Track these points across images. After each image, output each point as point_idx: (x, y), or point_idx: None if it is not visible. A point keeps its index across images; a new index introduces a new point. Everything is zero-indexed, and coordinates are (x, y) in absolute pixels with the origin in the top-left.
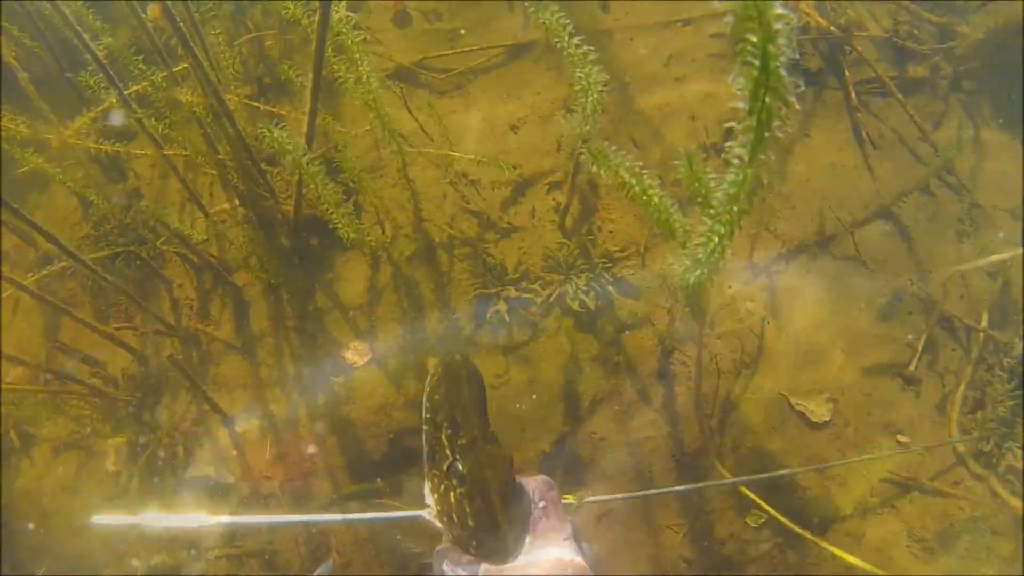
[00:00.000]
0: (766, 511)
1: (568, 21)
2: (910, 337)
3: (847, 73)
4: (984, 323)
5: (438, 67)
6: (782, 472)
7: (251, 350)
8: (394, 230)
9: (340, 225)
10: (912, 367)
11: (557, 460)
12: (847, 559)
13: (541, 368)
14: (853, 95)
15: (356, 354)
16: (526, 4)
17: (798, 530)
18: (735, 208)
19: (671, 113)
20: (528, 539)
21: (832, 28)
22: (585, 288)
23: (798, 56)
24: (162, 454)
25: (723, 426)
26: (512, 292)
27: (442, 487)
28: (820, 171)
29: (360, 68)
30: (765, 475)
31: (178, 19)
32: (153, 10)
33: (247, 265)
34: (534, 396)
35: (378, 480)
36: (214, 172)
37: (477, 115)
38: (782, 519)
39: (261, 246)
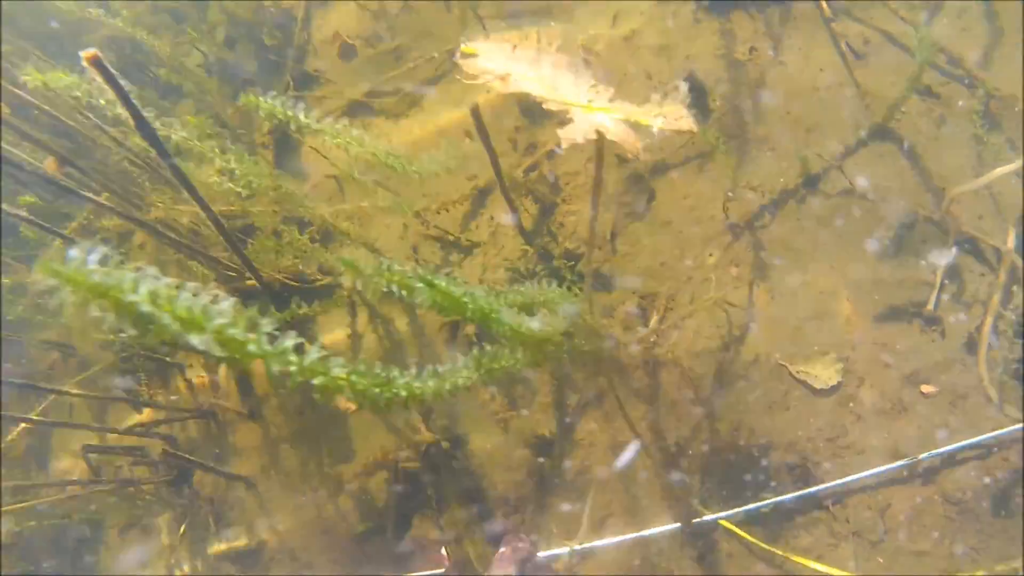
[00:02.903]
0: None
1: None
2: (925, 271)
3: None
4: (1011, 242)
5: (389, 90)
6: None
7: (259, 413)
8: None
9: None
10: (931, 305)
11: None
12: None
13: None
14: (824, 3)
15: (347, 400)
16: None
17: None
18: None
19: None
20: None
21: None
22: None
23: None
24: (200, 522)
25: (715, 408)
26: None
27: None
28: (800, 99)
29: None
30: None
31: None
32: (49, 164)
33: None
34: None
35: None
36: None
37: (433, 128)
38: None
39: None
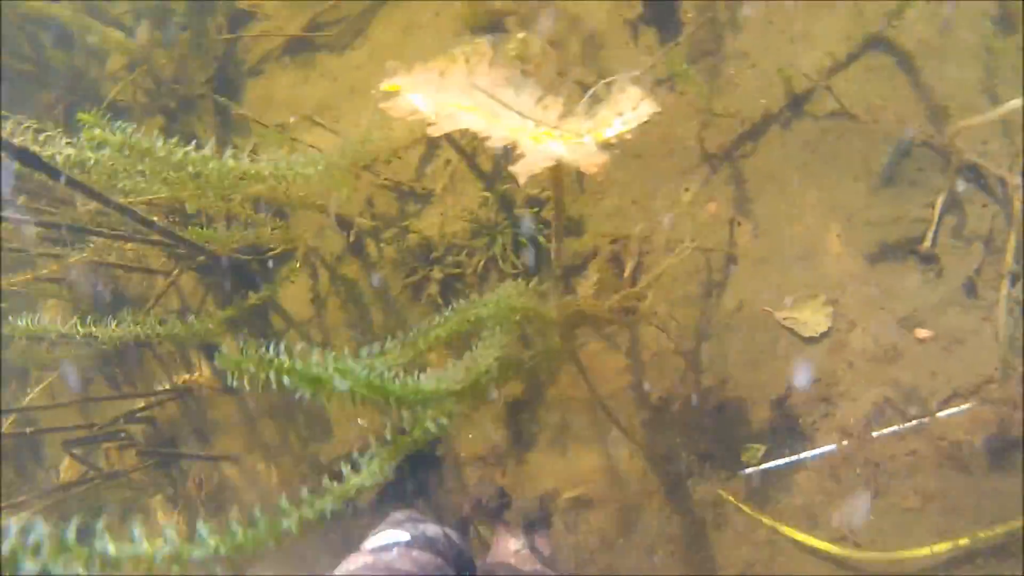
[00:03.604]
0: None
1: None
2: (923, 203)
3: None
4: (1019, 172)
5: (331, 19)
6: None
7: (233, 388)
8: (317, 229)
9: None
10: (927, 242)
11: None
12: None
13: None
14: None
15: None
16: None
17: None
18: None
19: None
20: None
21: None
22: (513, 245)
23: None
24: (192, 504)
25: (699, 363)
26: (437, 273)
27: None
28: (782, 7)
29: None
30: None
31: None
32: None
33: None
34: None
35: None
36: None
37: (380, 62)
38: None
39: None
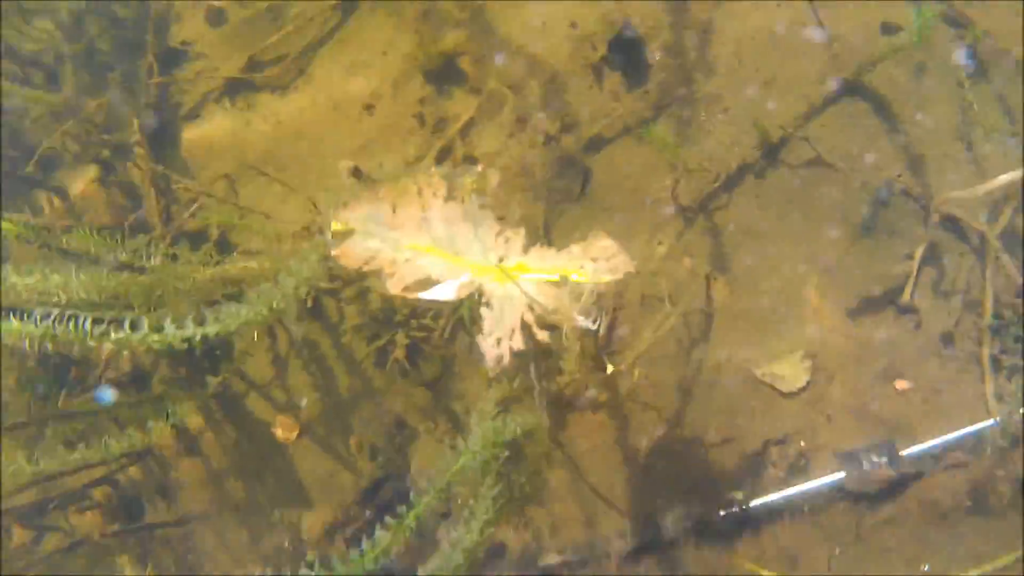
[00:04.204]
0: None
1: None
2: (901, 254)
3: None
4: (1001, 224)
5: (271, 57)
6: None
7: (195, 448)
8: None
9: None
10: (907, 294)
11: None
12: None
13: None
14: None
15: (286, 430)
16: None
17: None
18: None
19: (544, 27)
20: None
21: None
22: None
23: None
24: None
25: (678, 420)
26: (403, 338)
27: None
28: (754, 45)
29: None
30: None
31: None
32: None
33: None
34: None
35: None
36: None
37: (325, 103)
38: None
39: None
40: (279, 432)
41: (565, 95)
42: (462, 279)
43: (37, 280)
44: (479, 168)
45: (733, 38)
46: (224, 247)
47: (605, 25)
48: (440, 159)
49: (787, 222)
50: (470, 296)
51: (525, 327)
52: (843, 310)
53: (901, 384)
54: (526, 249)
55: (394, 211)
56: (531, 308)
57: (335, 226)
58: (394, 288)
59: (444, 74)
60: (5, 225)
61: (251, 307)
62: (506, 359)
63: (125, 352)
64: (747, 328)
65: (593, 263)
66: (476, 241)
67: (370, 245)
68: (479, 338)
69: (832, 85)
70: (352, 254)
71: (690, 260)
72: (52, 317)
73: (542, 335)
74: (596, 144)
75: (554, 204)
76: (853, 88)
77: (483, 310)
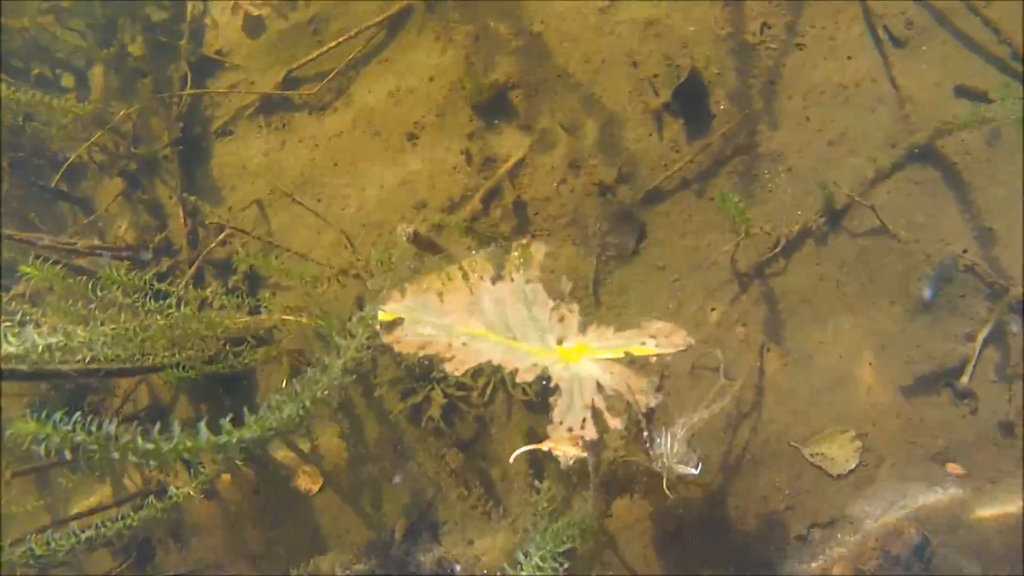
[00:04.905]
0: None
1: None
2: (963, 333)
3: None
4: None
5: (310, 75)
6: None
7: (212, 492)
8: (300, 334)
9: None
10: (966, 377)
11: None
12: None
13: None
14: None
15: (309, 481)
16: None
17: None
18: None
19: (604, 64)
20: None
21: None
22: None
23: None
24: None
25: (721, 498)
26: (439, 397)
27: None
28: (822, 100)
29: None
30: None
31: None
32: None
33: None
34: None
35: None
36: None
37: (365, 129)
38: None
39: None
40: (302, 482)
41: (623, 141)
42: (525, 364)
43: (61, 340)
44: (524, 242)
45: (801, 91)
46: (253, 279)
47: (667, 66)
48: (486, 201)
49: (845, 292)
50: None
51: (596, 413)
52: (897, 388)
53: (955, 469)
54: (583, 328)
55: (442, 298)
56: (600, 390)
57: (383, 316)
58: (455, 372)
59: (494, 107)
60: (30, 270)
61: (294, 403)
62: (580, 451)
63: (143, 386)
64: (797, 404)
65: (653, 339)
66: (531, 321)
67: (422, 332)
68: (548, 428)
69: (901, 149)
70: (406, 341)
71: (743, 329)
72: (73, 421)
73: (615, 422)
74: (654, 197)
75: (606, 260)
76: (923, 154)
77: (552, 399)
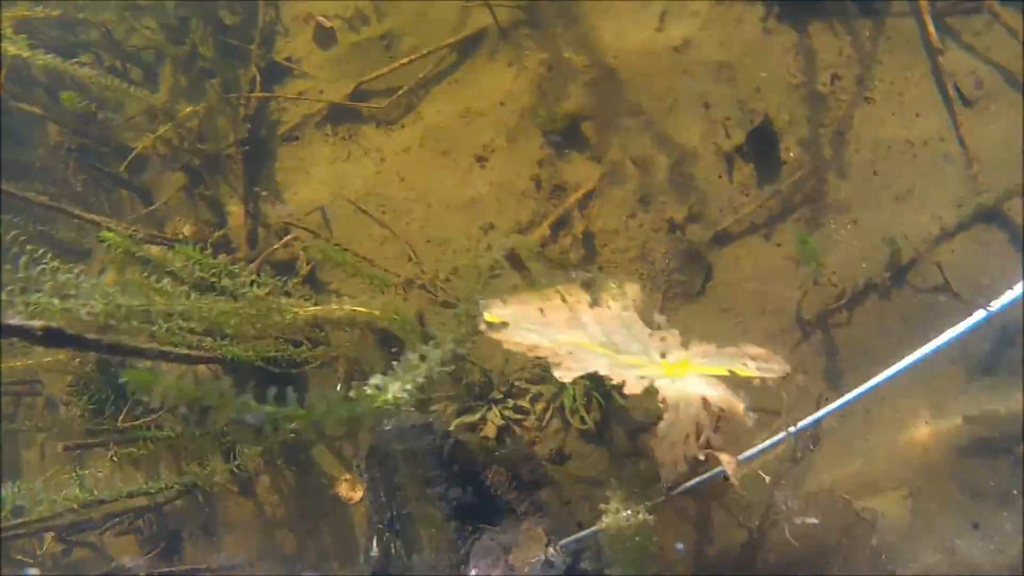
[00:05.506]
0: None
1: None
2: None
3: None
4: None
5: (380, 88)
6: None
7: (250, 490)
8: (358, 341)
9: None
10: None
11: None
12: None
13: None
14: (930, 24)
15: (349, 488)
16: None
17: None
18: None
19: (676, 102)
20: None
21: None
22: (585, 398)
23: None
24: None
25: (765, 543)
26: (496, 418)
27: None
28: (890, 155)
29: None
30: None
31: None
32: None
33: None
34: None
35: None
36: None
37: (434, 146)
38: None
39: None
40: (343, 489)
41: (693, 180)
42: (632, 375)
43: (142, 303)
44: (618, 282)
45: (869, 144)
46: (314, 284)
47: (739, 110)
48: (555, 229)
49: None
50: (573, 383)
51: (700, 429)
52: (953, 450)
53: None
54: (686, 344)
55: (543, 312)
56: (706, 405)
57: (489, 318)
58: (564, 377)
59: (565, 136)
60: (110, 236)
61: (399, 379)
62: (682, 466)
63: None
64: (851, 456)
65: (753, 362)
66: (633, 339)
67: (529, 337)
68: (653, 442)
69: (968, 209)
70: (515, 341)
71: (803, 376)
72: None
73: (716, 439)
74: (722, 239)
75: (671, 297)
76: (990, 215)
77: (662, 411)
